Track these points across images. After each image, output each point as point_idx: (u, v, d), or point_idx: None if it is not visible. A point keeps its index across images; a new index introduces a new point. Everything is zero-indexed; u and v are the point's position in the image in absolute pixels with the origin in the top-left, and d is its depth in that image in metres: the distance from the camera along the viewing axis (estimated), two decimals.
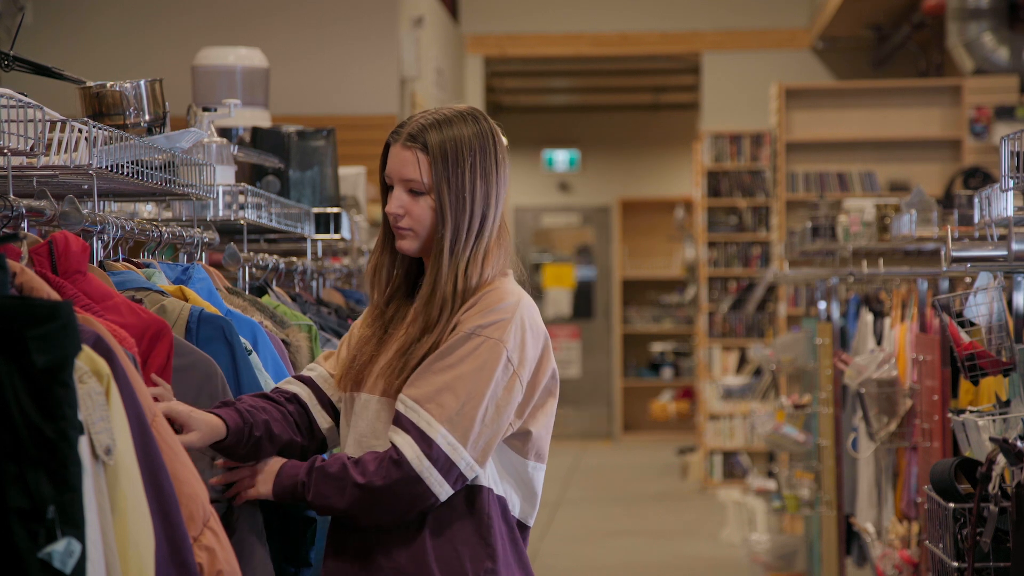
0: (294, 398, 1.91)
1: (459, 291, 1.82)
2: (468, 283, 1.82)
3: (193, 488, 1.61)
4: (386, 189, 1.86)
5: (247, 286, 2.54)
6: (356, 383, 1.86)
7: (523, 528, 1.88)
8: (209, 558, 1.59)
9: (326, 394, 1.92)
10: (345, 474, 1.77)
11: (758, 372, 7.54)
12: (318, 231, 3.08)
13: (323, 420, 1.91)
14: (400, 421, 1.77)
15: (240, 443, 1.80)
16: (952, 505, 1.68)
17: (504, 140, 1.89)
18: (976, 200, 2.55)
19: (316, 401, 1.91)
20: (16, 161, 1.73)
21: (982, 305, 2.53)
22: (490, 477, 1.83)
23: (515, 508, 1.86)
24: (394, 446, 1.76)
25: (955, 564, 1.67)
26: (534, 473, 1.87)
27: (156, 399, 1.70)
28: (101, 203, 2.08)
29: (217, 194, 2.44)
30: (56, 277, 1.63)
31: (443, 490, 1.77)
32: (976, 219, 2.56)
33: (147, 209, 2.65)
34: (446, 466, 1.76)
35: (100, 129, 1.80)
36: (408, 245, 1.85)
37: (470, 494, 1.81)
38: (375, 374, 1.84)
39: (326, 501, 1.78)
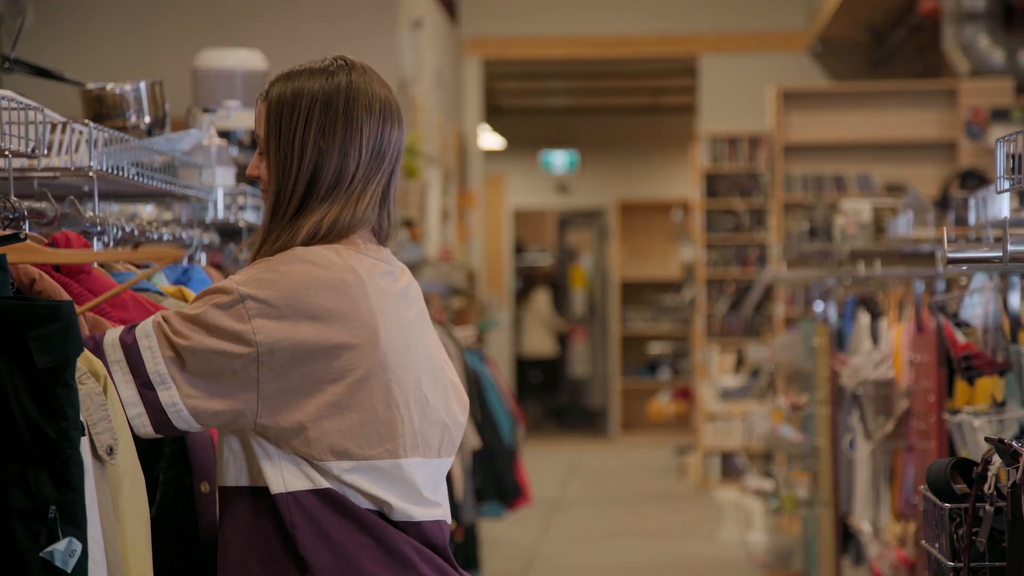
0: None
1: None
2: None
3: None
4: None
5: None
6: None
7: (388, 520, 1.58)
8: None
9: None
10: None
11: (755, 373, 7.55)
12: None
13: None
14: None
15: None
16: (948, 505, 1.69)
17: (374, 96, 1.62)
18: (972, 202, 2.56)
19: None
20: (17, 163, 1.74)
21: (978, 306, 2.54)
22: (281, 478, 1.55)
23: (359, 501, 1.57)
24: None
25: (951, 564, 1.67)
26: (353, 477, 1.55)
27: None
28: (102, 204, 2.09)
29: (217, 196, 2.44)
30: (61, 276, 1.64)
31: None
32: (972, 220, 2.57)
33: (147, 210, 2.65)
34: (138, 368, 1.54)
35: (101, 131, 1.81)
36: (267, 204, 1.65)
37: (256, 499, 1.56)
38: None
39: None
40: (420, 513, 1.59)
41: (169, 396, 1.54)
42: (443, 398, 1.65)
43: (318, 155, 1.61)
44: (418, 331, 1.64)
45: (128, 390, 1.54)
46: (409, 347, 1.60)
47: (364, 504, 1.57)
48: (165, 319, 1.57)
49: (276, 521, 1.56)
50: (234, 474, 1.59)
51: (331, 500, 1.55)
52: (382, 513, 1.58)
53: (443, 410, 1.64)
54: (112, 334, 1.57)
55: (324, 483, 1.55)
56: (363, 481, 1.56)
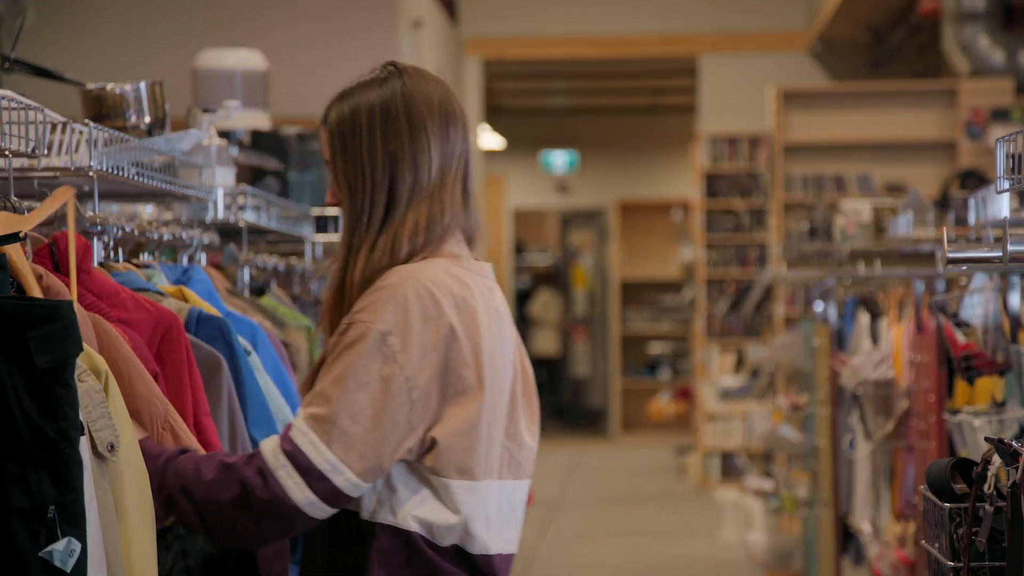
0: None
1: (366, 280, 1.57)
2: (375, 270, 1.57)
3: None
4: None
5: (247, 287, 2.55)
6: None
7: (466, 556, 1.56)
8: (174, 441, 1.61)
9: None
10: (203, 472, 1.52)
11: (755, 373, 7.55)
12: (318, 232, 3.09)
13: None
14: None
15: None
16: (948, 505, 1.69)
17: (431, 95, 1.62)
18: (972, 202, 2.56)
19: None
20: (17, 163, 1.74)
21: (978, 306, 2.54)
22: (391, 509, 1.55)
23: (443, 537, 1.55)
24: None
25: (951, 564, 1.67)
26: (459, 494, 1.54)
27: None
28: (102, 205, 2.09)
29: (217, 196, 2.45)
30: (61, 275, 1.64)
31: (305, 496, 1.49)
32: (972, 221, 2.57)
33: (147, 210, 2.65)
34: (304, 466, 1.49)
35: (101, 131, 1.81)
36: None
37: (373, 536, 1.55)
38: None
39: (178, 504, 1.54)
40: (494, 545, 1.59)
41: (344, 479, 1.51)
42: (527, 419, 1.65)
43: (390, 162, 1.60)
44: (510, 348, 1.64)
45: (301, 492, 1.51)
46: (499, 369, 1.59)
47: (445, 542, 1.57)
48: (309, 404, 1.54)
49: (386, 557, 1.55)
50: (370, 507, 1.56)
51: (414, 542, 1.56)
52: (461, 548, 1.57)
53: (526, 433, 1.64)
54: (270, 443, 1.54)
55: (411, 526, 1.55)
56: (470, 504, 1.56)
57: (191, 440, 1.63)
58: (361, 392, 1.51)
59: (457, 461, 1.55)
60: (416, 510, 1.56)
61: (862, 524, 3.71)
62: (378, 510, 1.56)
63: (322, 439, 1.51)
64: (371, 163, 1.60)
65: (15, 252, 1.51)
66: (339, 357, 1.55)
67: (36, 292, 1.51)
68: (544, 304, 12.81)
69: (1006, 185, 1.68)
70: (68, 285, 1.62)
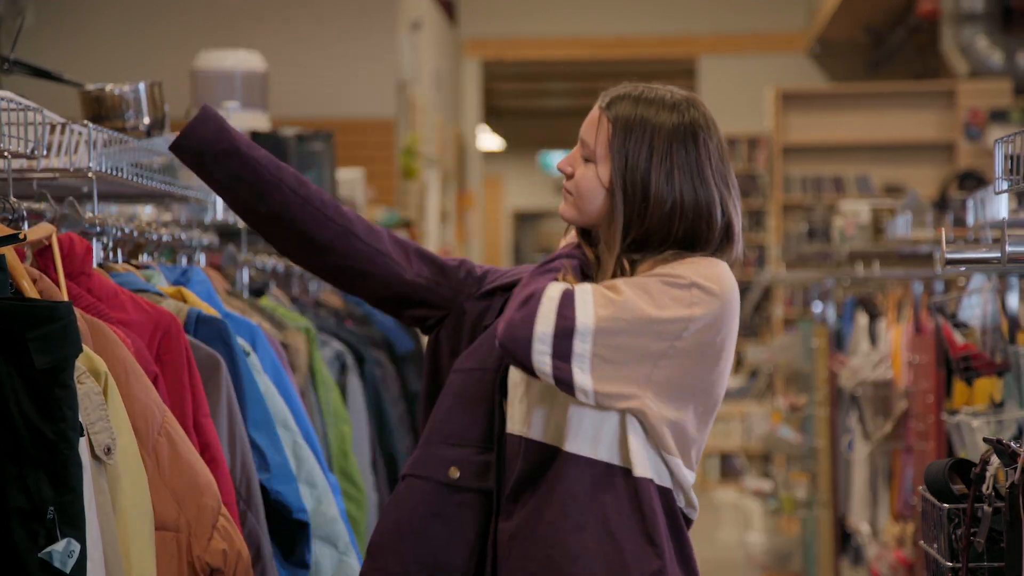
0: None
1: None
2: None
3: (206, 478, 1.62)
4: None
5: (246, 288, 2.55)
6: None
7: (688, 522, 1.66)
8: (228, 544, 1.61)
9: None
10: None
11: (754, 374, 7.56)
12: None
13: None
14: None
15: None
16: (946, 506, 1.69)
17: (718, 138, 1.65)
18: (970, 203, 2.56)
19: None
20: (16, 164, 1.74)
21: (976, 307, 2.54)
22: (648, 465, 1.59)
23: (680, 499, 1.64)
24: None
25: (949, 564, 1.68)
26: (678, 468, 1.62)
27: None
28: (101, 205, 2.09)
29: (216, 197, 2.44)
30: (56, 276, 1.64)
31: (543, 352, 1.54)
32: (970, 221, 2.57)
33: (146, 211, 2.66)
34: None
35: (100, 132, 1.81)
36: (565, 209, 1.67)
37: (630, 486, 1.59)
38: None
39: None
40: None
41: (583, 348, 1.55)
42: None
43: (671, 190, 1.63)
44: None
45: (545, 326, 1.55)
46: None
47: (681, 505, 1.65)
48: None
49: (638, 502, 1.59)
50: (607, 450, 1.60)
51: (669, 498, 1.63)
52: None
53: None
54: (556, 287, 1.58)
55: (668, 483, 1.61)
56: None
57: (188, 447, 1.63)
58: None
59: None
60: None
61: (860, 525, 3.71)
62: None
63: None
64: (651, 180, 1.61)
65: (10, 255, 1.51)
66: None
67: (32, 294, 1.51)
68: None
69: (1005, 186, 1.68)
70: (66, 289, 1.62)
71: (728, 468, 8.62)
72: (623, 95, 1.64)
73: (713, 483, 8.58)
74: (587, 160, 1.64)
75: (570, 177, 1.65)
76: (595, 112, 1.65)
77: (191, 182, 2.22)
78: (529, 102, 12.71)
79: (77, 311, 1.49)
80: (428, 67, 7.60)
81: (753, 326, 8.88)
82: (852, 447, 3.80)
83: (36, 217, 1.73)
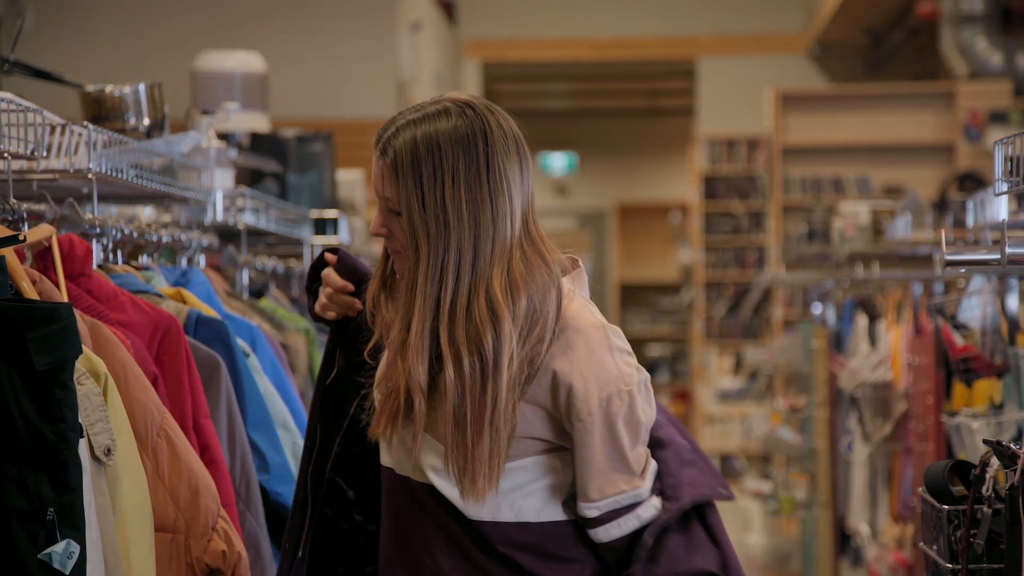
0: None
1: (456, 343, 1.46)
2: (476, 332, 1.45)
3: (205, 480, 1.62)
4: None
5: (245, 289, 2.55)
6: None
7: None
8: (227, 545, 1.61)
9: None
10: None
11: (754, 375, 7.56)
12: (316, 234, 3.09)
13: None
14: None
15: None
16: (946, 507, 1.69)
17: (508, 131, 1.54)
18: (970, 204, 2.56)
19: None
20: (16, 165, 1.74)
21: (976, 308, 2.54)
22: None
23: None
24: None
25: (949, 566, 1.67)
26: None
27: None
28: (101, 206, 2.09)
29: (216, 198, 2.45)
30: (55, 277, 1.64)
31: None
32: (970, 223, 2.57)
33: (146, 212, 2.66)
34: None
35: (100, 133, 1.81)
36: (401, 268, 1.52)
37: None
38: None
39: None
40: None
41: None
42: None
43: (474, 209, 1.50)
44: None
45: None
46: None
47: None
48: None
49: None
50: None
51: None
52: None
53: None
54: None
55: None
56: None
57: (187, 448, 1.63)
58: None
59: None
60: None
61: (860, 526, 3.71)
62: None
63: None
64: (455, 207, 1.47)
65: (10, 256, 1.51)
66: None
67: (32, 295, 1.51)
68: None
69: (1004, 187, 1.68)
70: (65, 290, 1.62)
71: (728, 469, 8.62)
72: (395, 130, 1.49)
73: None
74: (394, 212, 1.50)
75: (389, 237, 1.52)
76: (377, 162, 1.51)
77: (191, 183, 2.22)
78: (529, 103, 12.71)
79: (77, 312, 1.49)
80: (428, 68, 7.60)
81: (753, 327, 8.88)
82: (852, 448, 3.80)
83: (36, 218, 1.72)
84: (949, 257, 1.70)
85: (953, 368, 2.47)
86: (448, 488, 1.49)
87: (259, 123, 3.33)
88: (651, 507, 1.51)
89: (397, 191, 1.49)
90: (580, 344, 1.49)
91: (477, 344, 1.46)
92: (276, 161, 3.27)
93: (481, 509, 1.50)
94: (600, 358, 1.49)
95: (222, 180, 2.50)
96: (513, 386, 1.47)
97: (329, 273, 1.65)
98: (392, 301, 1.55)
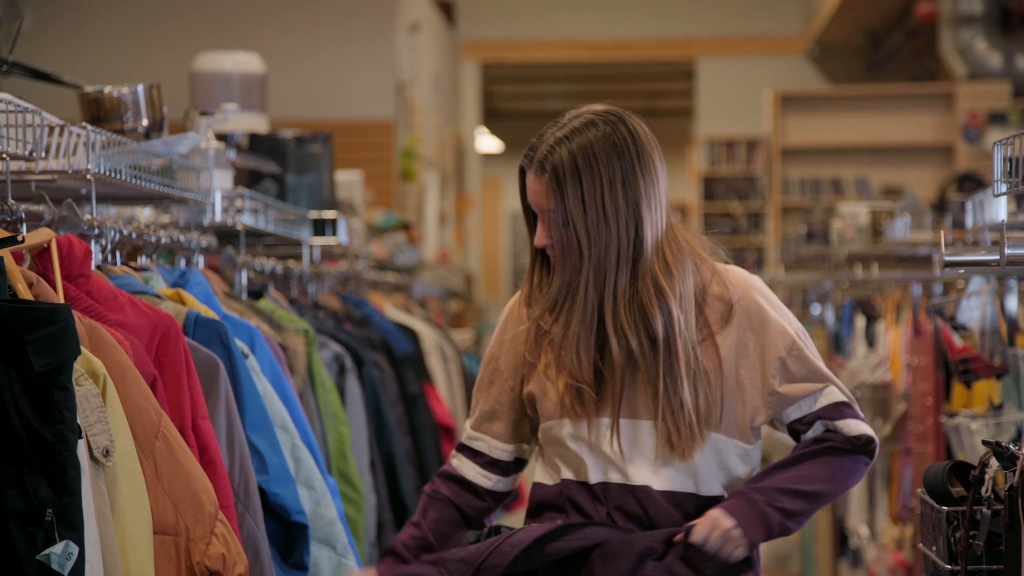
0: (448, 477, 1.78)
1: (667, 307, 1.65)
2: (671, 295, 1.65)
3: (203, 483, 1.62)
4: (529, 214, 1.70)
5: (244, 290, 2.55)
6: (596, 408, 1.67)
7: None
8: (226, 548, 1.61)
9: (492, 454, 1.78)
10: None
11: None
12: (315, 235, 3.09)
13: (486, 480, 1.78)
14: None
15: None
16: (945, 508, 1.68)
17: (647, 131, 1.71)
18: (969, 205, 2.56)
19: (478, 468, 1.77)
20: (15, 166, 1.74)
21: (975, 309, 2.54)
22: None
23: None
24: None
25: (948, 567, 1.67)
26: None
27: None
28: (99, 207, 2.09)
29: (214, 199, 2.44)
30: (53, 277, 1.63)
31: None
32: (969, 224, 2.57)
33: (145, 213, 2.65)
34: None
35: (98, 134, 1.81)
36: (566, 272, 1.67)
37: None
38: (630, 400, 1.67)
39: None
40: None
41: None
42: None
43: (634, 207, 1.68)
44: None
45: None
46: None
47: None
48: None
49: None
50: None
51: None
52: None
53: None
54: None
55: None
56: None
57: (185, 451, 1.62)
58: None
59: None
60: None
61: (859, 527, 3.71)
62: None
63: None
64: (614, 209, 1.65)
65: (7, 257, 1.51)
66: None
67: (27, 297, 1.51)
68: None
69: (1003, 188, 1.68)
70: (63, 288, 1.62)
71: None
72: (550, 147, 1.65)
73: None
74: (558, 224, 1.65)
75: (552, 247, 1.67)
76: (534, 181, 1.66)
77: (189, 184, 2.22)
78: (528, 104, 12.71)
79: (75, 313, 1.48)
80: (427, 69, 7.60)
81: None
82: None
83: (34, 219, 1.72)
84: (948, 258, 1.69)
85: (952, 369, 2.47)
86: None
87: (258, 124, 3.33)
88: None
89: (560, 203, 1.64)
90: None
91: (645, 326, 1.64)
92: (275, 162, 3.26)
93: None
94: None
95: (221, 181, 2.49)
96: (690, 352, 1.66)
97: None
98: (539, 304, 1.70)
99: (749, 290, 1.69)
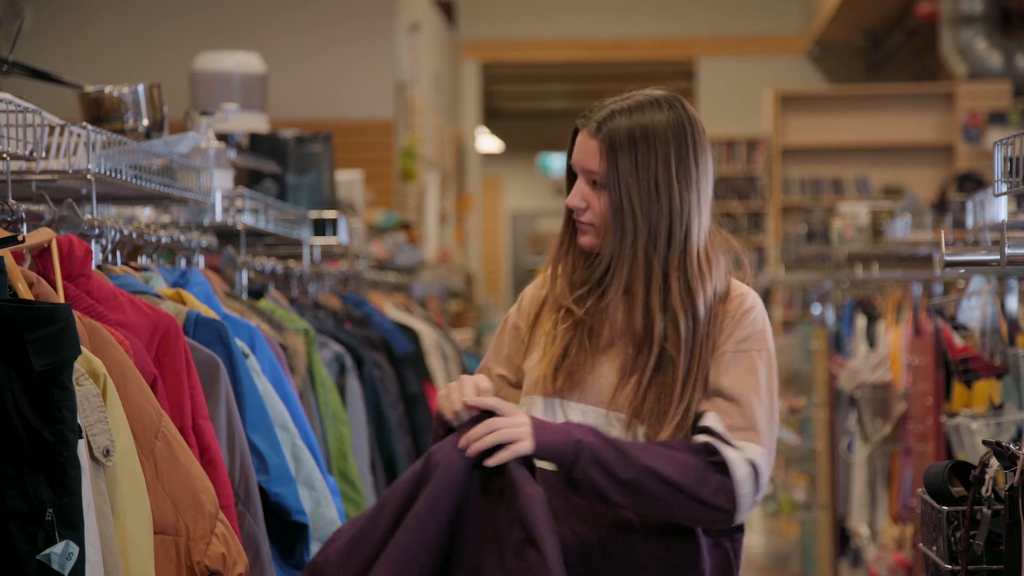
0: None
1: (697, 301, 1.63)
2: (701, 292, 1.64)
3: (203, 483, 1.62)
4: (571, 177, 1.69)
5: (244, 290, 2.55)
6: (567, 389, 1.66)
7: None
8: (226, 548, 1.60)
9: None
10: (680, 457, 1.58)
11: None
12: (315, 235, 3.09)
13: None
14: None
15: None
16: (945, 508, 1.68)
17: (702, 125, 1.72)
18: (969, 205, 2.56)
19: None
20: (15, 165, 1.74)
21: (975, 309, 2.54)
22: None
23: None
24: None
25: (948, 567, 1.67)
26: None
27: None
28: (100, 207, 2.09)
29: (215, 198, 2.44)
30: (53, 277, 1.63)
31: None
32: (969, 224, 2.57)
33: (145, 213, 2.65)
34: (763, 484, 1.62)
35: (99, 134, 1.81)
36: (589, 241, 1.67)
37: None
38: (598, 387, 1.64)
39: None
40: None
41: None
42: None
43: (685, 190, 1.68)
44: None
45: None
46: None
47: None
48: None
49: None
50: None
51: None
52: None
53: None
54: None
55: None
56: None
57: (185, 451, 1.62)
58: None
59: None
60: None
61: (859, 527, 3.71)
62: None
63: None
64: (667, 187, 1.65)
65: (7, 257, 1.51)
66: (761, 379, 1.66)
67: (27, 297, 1.51)
68: None
69: (1004, 188, 1.68)
70: (63, 288, 1.62)
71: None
72: (612, 112, 1.65)
73: None
74: (600, 186, 1.65)
75: (584, 210, 1.66)
76: (587, 140, 1.65)
77: (190, 184, 2.22)
78: (528, 104, 12.71)
79: (76, 313, 1.48)
80: (427, 69, 7.60)
81: None
82: (851, 449, 3.80)
83: (35, 219, 1.72)
84: (948, 258, 1.69)
85: (952, 369, 2.47)
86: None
87: (258, 124, 3.33)
88: None
89: (607, 167, 1.64)
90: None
91: (692, 306, 1.64)
92: (275, 162, 3.26)
93: None
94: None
95: (221, 181, 2.49)
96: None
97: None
98: (569, 272, 1.69)
99: (746, 302, 1.66)
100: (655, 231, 1.64)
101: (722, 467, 1.58)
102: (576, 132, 1.68)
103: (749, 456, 1.59)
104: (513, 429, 1.55)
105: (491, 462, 1.53)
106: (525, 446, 1.55)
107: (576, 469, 1.55)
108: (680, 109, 1.69)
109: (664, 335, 1.63)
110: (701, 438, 1.60)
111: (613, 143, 1.64)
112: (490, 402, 1.57)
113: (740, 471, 1.58)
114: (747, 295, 1.68)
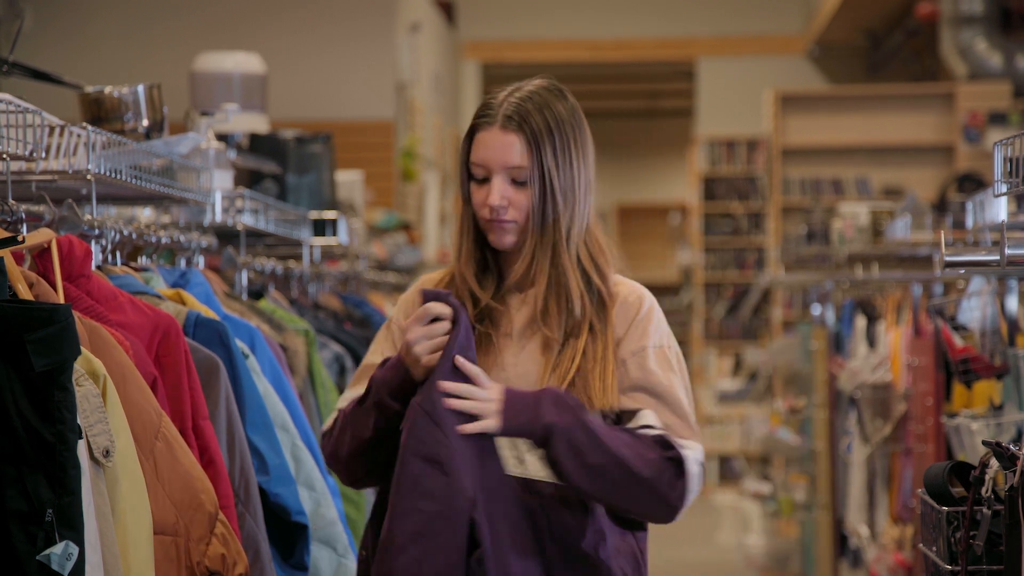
0: None
1: (594, 287, 1.64)
2: (598, 277, 1.65)
3: (203, 483, 1.62)
4: (469, 180, 1.64)
5: (244, 290, 2.55)
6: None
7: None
8: (226, 549, 1.61)
9: None
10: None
11: (753, 376, 7.56)
12: (315, 236, 3.09)
13: None
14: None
15: None
16: (945, 509, 1.69)
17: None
18: (969, 205, 2.56)
19: None
20: (15, 166, 1.74)
21: (975, 309, 2.54)
22: None
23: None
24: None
25: (948, 567, 1.67)
26: None
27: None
28: (99, 208, 2.09)
29: (215, 199, 2.45)
30: (53, 277, 1.63)
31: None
32: (969, 224, 2.57)
33: (145, 214, 2.65)
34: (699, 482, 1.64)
35: (99, 134, 1.81)
36: (510, 240, 1.63)
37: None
38: (517, 381, 1.63)
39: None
40: None
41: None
42: None
43: (588, 176, 1.68)
44: None
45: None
46: None
47: None
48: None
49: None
50: None
51: None
52: None
53: None
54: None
55: None
56: None
57: (185, 451, 1.62)
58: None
59: None
60: None
61: (859, 527, 3.71)
62: None
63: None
64: (582, 174, 1.64)
65: (7, 257, 1.51)
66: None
67: (27, 297, 1.51)
68: None
69: (1004, 189, 1.68)
70: (64, 288, 1.62)
71: (727, 471, 8.62)
72: (518, 105, 1.63)
73: (712, 486, 8.58)
74: (520, 183, 1.62)
75: (507, 208, 1.62)
76: (501, 136, 1.61)
77: (190, 184, 2.22)
78: None
79: (76, 314, 1.48)
80: (427, 69, 7.60)
81: (752, 328, 8.88)
82: (851, 449, 3.80)
83: (35, 219, 1.72)
84: (948, 258, 1.69)
85: (953, 369, 2.47)
86: None
87: (258, 124, 3.33)
88: None
89: (535, 160, 1.61)
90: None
91: (598, 291, 1.65)
92: (275, 162, 3.26)
93: None
94: None
95: (221, 181, 2.49)
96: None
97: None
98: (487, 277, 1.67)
99: (646, 299, 1.67)
100: (572, 219, 1.63)
101: (677, 464, 1.60)
102: (473, 132, 1.64)
103: (699, 457, 1.64)
104: (483, 404, 1.55)
105: (463, 429, 1.54)
106: (491, 424, 1.55)
107: (548, 450, 1.56)
108: (570, 96, 1.68)
109: (578, 321, 1.63)
110: (652, 432, 1.61)
111: (535, 135, 1.61)
112: (473, 370, 1.57)
113: (693, 469, 1.62)
114: (642, 290, 1.69)
